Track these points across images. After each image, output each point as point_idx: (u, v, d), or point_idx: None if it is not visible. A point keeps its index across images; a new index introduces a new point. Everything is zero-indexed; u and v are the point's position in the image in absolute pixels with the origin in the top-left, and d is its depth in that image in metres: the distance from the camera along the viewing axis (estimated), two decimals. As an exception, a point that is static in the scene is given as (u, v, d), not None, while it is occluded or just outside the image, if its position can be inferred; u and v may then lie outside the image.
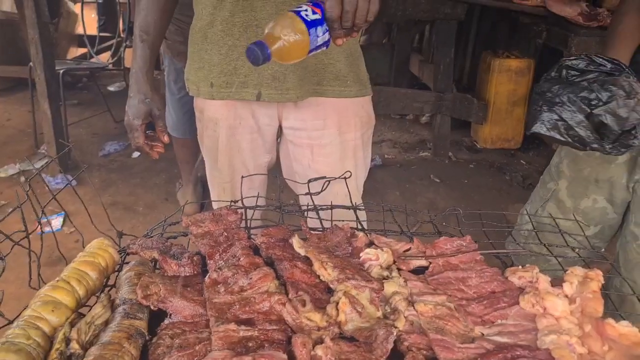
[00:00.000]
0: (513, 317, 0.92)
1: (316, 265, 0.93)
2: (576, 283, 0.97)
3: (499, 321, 0.91)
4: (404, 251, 1.07)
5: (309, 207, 1.21)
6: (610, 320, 0.87)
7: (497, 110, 3.75)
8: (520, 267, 1.02)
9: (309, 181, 1.26)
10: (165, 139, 1.32)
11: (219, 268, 0.91)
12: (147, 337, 0.78)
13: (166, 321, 0.81)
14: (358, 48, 1.36)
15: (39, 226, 0.99)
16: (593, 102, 1.17)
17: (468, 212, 1.22)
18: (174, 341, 0.77)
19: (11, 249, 0.88)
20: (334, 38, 0.94)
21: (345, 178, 1.26)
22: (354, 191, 1.32)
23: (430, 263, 1.04)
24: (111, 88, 5.18)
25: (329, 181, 1.27)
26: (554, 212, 1.43)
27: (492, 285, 0.99)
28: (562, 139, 1.21)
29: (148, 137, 1.32)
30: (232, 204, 1.17)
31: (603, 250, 1.46)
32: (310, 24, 0.88)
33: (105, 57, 4.36)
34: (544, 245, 1.14)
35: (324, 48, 0.95)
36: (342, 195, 1.25)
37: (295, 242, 0.99)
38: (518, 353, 0.82)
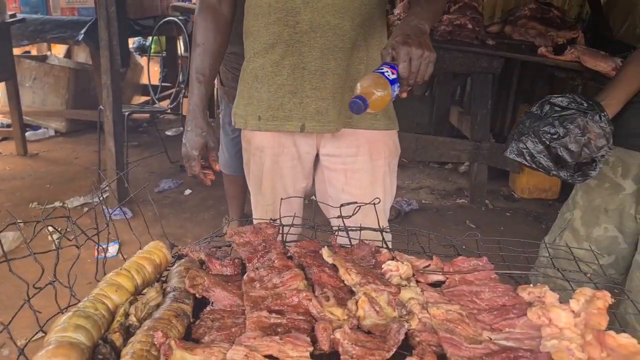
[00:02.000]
0: (520, 326, 0.98)
1: (341, 271, 1.03)
2: (583, 301, 1.02)
3: (507, 329, 0.97)
4: (424, 267, 1.16)
5: (340, 227, 1.32)
6: (611, 332, 0.92)
7: (534, 160, 3.78)
8: (531, 285, 1.09)
9: (341, 205, 1.38)
10: (217, 167, 1.46)
11: (256, 268, 1.03)
12: (191, 320, 0.90)
13: (208, 308, 0.93)
14: None
15: (97, 250, 1.12)
16: (554, 136, 1.31)
17: (487, 238, 1.30)
18: (214, 324, 0.89)
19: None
20: (401, 91, 1.18)
21: (374, 204, 1.37)
22: (382, 214, 1.42)
23: (447, 278, 1.12)
24: (168, 132, 5.51)
25: (360, 206, 1.38)
26: (569, 241, 1.49)
27: (503, 299, 1.06)
28: (528, 164, 1.36)
29: (202, 167, 1.47)
30: (272, 221, 1.29)
31: (619, 281, 1.49)
32: (391, 82, 1.13)
33: (165, 104, 4.68)
34: (558, 269, 1.20)
35: (395, 98, 1.18)
36: (371, 217, 1.35)
37: (325, 252, 1.10)
38: (520, 354, 0.88)
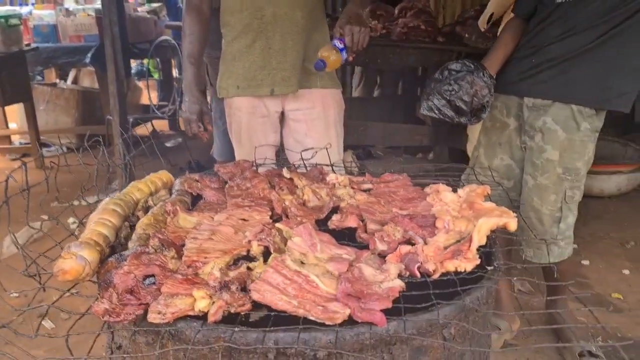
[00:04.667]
0: (420, 207, 1.35)
1: (295, 179, 1.40)
2: (468, 190, 1.39)
3: (411, 209, 1.34)
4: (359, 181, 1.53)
5: (300, 165, 1.69)
6: (480, 201, 1.29)
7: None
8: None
9: (302, 151, 1.75)
10: (210, 128, 1.84)
11: (233, 180, 1.40)
12: (190, 208, 1.27)
13: (201, 200, 1.30)
14: None
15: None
16: (452, 92, 1.69)
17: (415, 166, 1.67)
18: (205, 207, 1.25)
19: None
20: (349, 56, 1.63)
21: (327, 148, 1.74)
22: (335, 154, 1.80)
23: (374, 187, 1.49)
24: (168, 144, 5.89)
25: (317, 151, 1.75)
26: (478, 174, 1.86)
27: (412, 194, 1.43)
28: (437, 116, 1.73)
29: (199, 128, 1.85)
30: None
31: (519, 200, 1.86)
32: (341, 50, 1.60)
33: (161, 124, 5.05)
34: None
35: (345, 61, 1.63)
36: (326, 158, 1.72)
37: (285, 170, 1.47)
38: (414, 216, 1.25)
